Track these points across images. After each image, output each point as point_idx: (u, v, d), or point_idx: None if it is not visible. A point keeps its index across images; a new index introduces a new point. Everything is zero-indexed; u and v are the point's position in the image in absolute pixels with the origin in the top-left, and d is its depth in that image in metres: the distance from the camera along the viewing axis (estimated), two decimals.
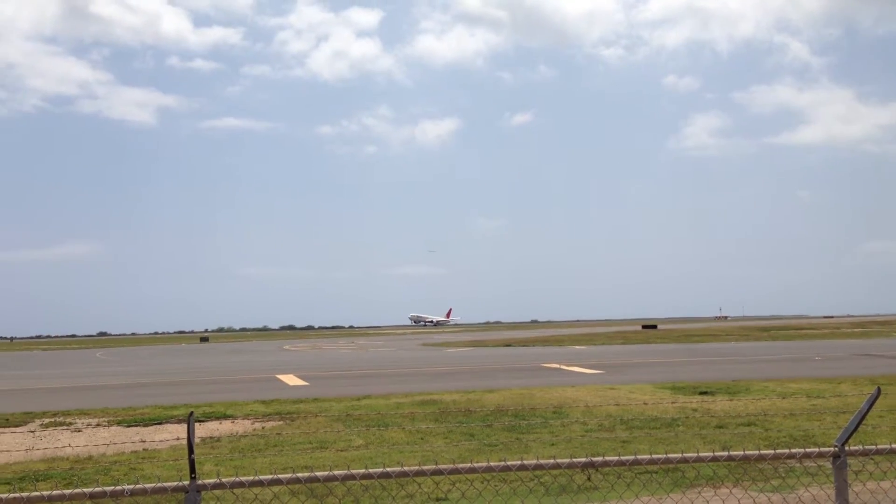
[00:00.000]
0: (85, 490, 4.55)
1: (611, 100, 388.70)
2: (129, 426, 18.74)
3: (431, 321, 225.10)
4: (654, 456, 5.47)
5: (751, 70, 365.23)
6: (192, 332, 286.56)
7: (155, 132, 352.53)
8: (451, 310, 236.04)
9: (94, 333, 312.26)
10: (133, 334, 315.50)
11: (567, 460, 5.19)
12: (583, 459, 5.26)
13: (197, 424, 18.47)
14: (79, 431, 18.00)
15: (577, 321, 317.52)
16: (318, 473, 4.80)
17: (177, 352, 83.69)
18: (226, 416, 19.68)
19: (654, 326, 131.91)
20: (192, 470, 4.70)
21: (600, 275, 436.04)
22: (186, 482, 4.65)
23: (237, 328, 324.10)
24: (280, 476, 4.81)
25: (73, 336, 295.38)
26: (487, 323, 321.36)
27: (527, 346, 67.55)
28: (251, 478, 4.74)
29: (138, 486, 4.52)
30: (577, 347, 60.94)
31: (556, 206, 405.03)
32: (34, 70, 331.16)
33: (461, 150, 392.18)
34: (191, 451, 4.65)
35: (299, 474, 4.81)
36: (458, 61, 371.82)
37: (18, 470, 13.17)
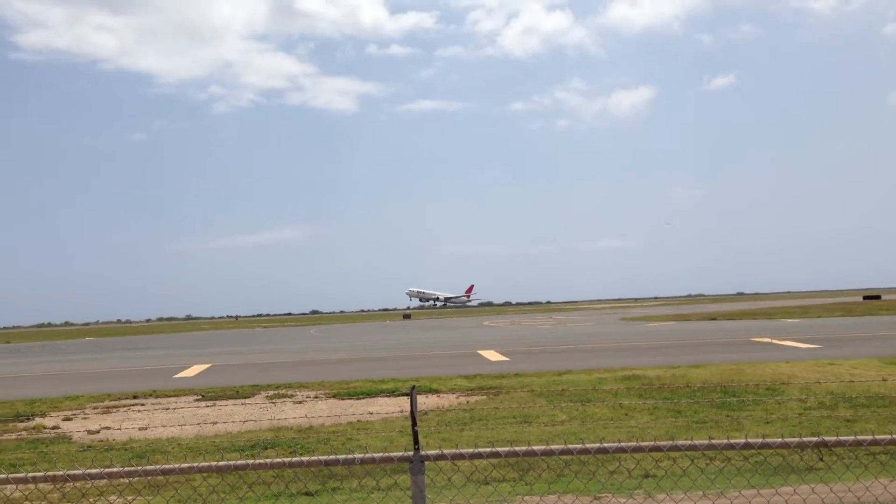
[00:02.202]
0: (321, 458, 4.86)
1: (822, 55, 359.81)
2: (343, 399, 19.86)
3: (437, 298, 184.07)
4: None
5: None
6: (395, 309, 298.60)
7: (356, 118, 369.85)
8: (472, 286, 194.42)
9: (307, 312, 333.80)
10: (342, 312, 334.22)
11: (796, 439, 4.86)
12: (814, 438, 4.91)
13: (405, 399, 19.28)
14: (299, 403, 19.31)
15: (789, 293, 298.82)
16: (536, 448, 4.82)
17: (382, 328, 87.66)
18: (431, 391, 20.34)
19: (878, 297, 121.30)
20: (416, 441, 4.88)
21: (813, 242, 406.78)
22: (411, 453, 4.84)
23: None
24: (499, 449, 4.89)
25: (289, 314, 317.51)
26: (689, 296, 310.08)
27: (733, 319, 64.45)
28: (471, 450, 4.85)
29: (367, 455, 4.78)
30: (790, 321, 57.30)
31: (762, 171, 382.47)
32: (249, 67, 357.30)
33: (656, 118, 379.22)
34: (414, 423, 4.82)
35: (517, 448, 4.86)
36: (652, 27, 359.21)
37: (250, 438, 14.34)
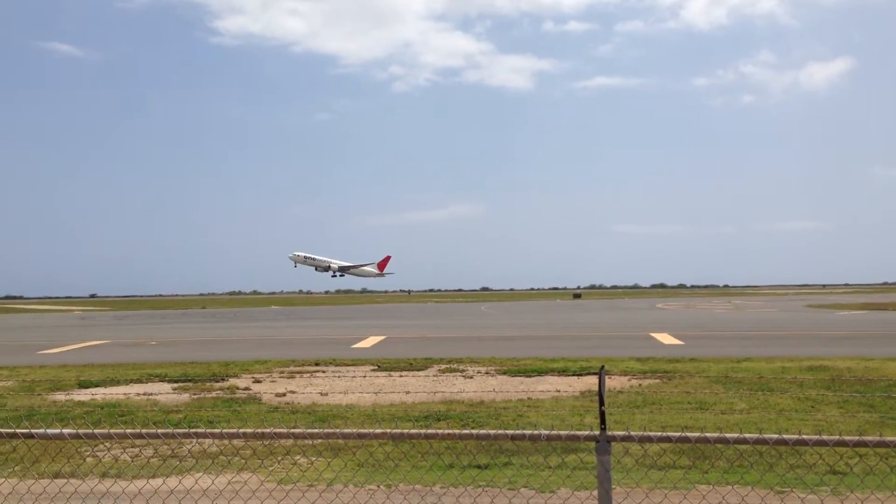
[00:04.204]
0: (507, 431, 4.95)
1: None
2: (513, 376, 20.01)
3: (329, 266, 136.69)
4: None
5: None
6: (564, 288, 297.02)
7: (531, 96, 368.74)
8: (388, 258, 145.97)
9: (478, 288, 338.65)
10: (511, 289, 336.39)
11: None
12: None
13: (575, 379, 19.16)
14: (470, 378, 19.67)
15: None
16: (728, 435, 4.67)
17: (552, 307, 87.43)
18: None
19: None
20: (603, 421, 4.85)
21: None
22: (597, 432, 4.82)
23: (608, 286, 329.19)
24: (688, 434, 4.76)
25: (460, 290, 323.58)
26: (885, 284, 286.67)
27: None
28: (659, 433, 4.76)
29: (553, 432, 4.81)
30: None
31: None
32: (427, 47, 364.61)
33: (855, 92, 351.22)
34: (601, 403, 4.80)
35: (707, 434, 4.73)
36: None
37: (423, 410, 14.79)
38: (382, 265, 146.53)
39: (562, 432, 4.78)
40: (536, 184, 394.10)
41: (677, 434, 4.79)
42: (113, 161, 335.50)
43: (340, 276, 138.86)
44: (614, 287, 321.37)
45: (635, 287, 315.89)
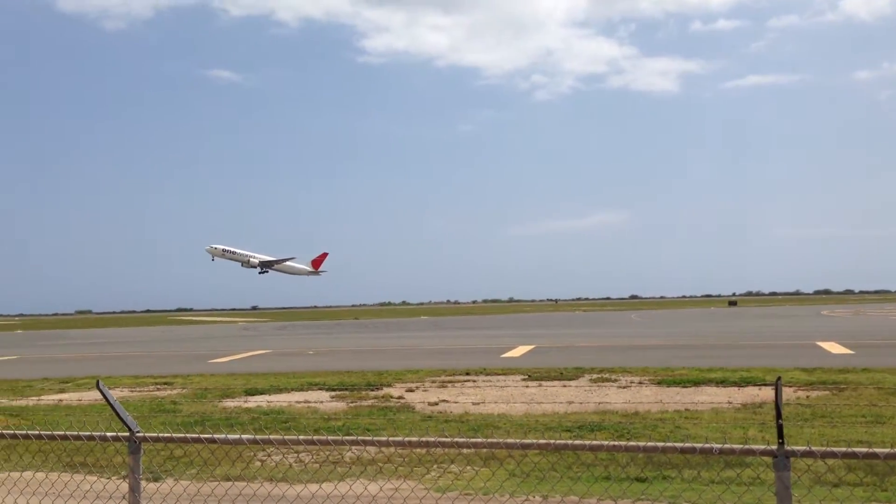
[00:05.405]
0: (676, 444, 4.80)
1: None
2: (668, 386, 19.40)
3: (248, 260, 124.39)
4: None
5: None
6: (718, 295, 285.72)
7: (677, 98, 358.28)
8: (325, 255, 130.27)
9: (626, 296, 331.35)
10: (661, 297, 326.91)
11: None
12: None
13: (735, 390, 18.35)
14: (623, 388, 19.23)
15: None
16: None
17: (706, 315, 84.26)
18: (765, 383, 19.13)
19: None
20: (780, 435, 4.61)
21: None
22: (774, 447, 4.58)
23: (766, 292, 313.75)
24: (877, 450, 4.44)
25: (608, 299, 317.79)
26: None
27: None
28: (844, 448, 4.47)
29: (726, 445, 4.62)
30: None
31: None
32: (569, 54, 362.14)
33: None
34: (779, 415, 4.56)
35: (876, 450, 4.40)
36: None
37: (576, 420, 14.58)
38: (317, 262, 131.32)
39: (735, 446, 4.56)
40: (685, 188, 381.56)
41: (863, 450, 4.47)
42: (272, 179, 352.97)
43: (264, 272, 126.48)
44: (773, 294, 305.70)
45: (797, 293, 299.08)
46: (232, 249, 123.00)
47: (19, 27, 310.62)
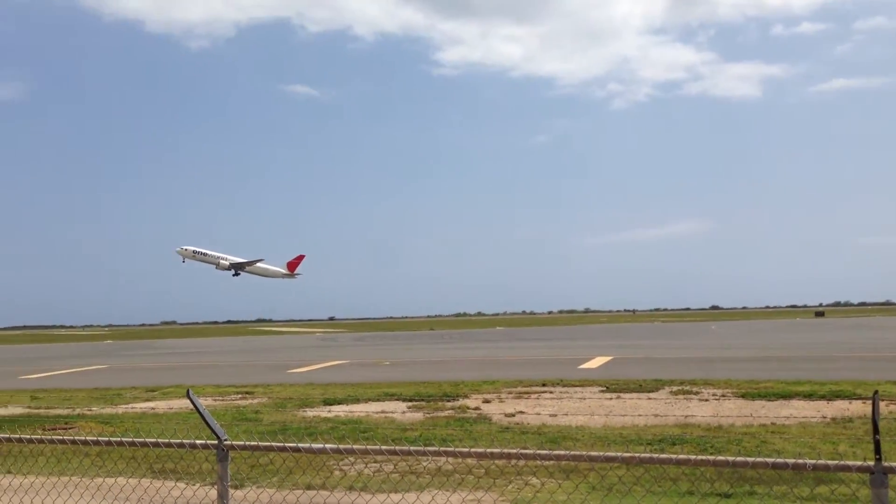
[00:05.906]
0: (767, 459, 4.68)
1: None
2: (752, 399, 18.84)
3: (218, 262, 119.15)
4: None
5: None
6: (804, 306, 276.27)
7: (759, 104, 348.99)
8: (302, 257, 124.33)
9: (706, 307, 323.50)
10: (744, 308, 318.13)
11: None
12: None
13: (824, 403, 17.73)
14: (705, 401, 18.77)
15: None
16: None
17: (790, 326, 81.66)
18: (855, 396, 18.41)
19: None
20: (878, 450, 4.44)
21: None
22: (871, 462, 4.42)
23: (854, 302, 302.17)
24: None
25: (687, 309, 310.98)
26: None
27: None
28: None
29: (820, 461, 4.49)
30: None
31: None
32: (646, 61, 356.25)
33: None
34: (876, 430, 4.39)
35: None
36: None
37: (657, 433, 14.31)
38: (293, 265, 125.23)
39: (830, 462, 4.40)
40: (767, 195, 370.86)
41: None
42: (349, 192, 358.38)
43: (236, 274, 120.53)
44: (862, 304, 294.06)
45: (887, 304, 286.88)
46: (203, 251, 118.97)
47: (113, 46, 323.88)
